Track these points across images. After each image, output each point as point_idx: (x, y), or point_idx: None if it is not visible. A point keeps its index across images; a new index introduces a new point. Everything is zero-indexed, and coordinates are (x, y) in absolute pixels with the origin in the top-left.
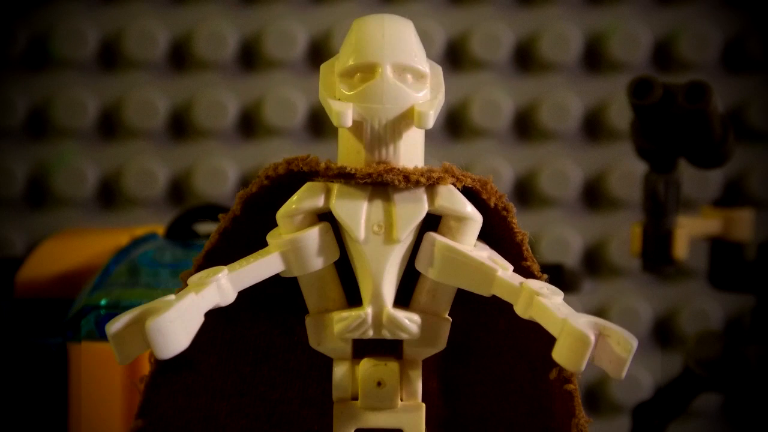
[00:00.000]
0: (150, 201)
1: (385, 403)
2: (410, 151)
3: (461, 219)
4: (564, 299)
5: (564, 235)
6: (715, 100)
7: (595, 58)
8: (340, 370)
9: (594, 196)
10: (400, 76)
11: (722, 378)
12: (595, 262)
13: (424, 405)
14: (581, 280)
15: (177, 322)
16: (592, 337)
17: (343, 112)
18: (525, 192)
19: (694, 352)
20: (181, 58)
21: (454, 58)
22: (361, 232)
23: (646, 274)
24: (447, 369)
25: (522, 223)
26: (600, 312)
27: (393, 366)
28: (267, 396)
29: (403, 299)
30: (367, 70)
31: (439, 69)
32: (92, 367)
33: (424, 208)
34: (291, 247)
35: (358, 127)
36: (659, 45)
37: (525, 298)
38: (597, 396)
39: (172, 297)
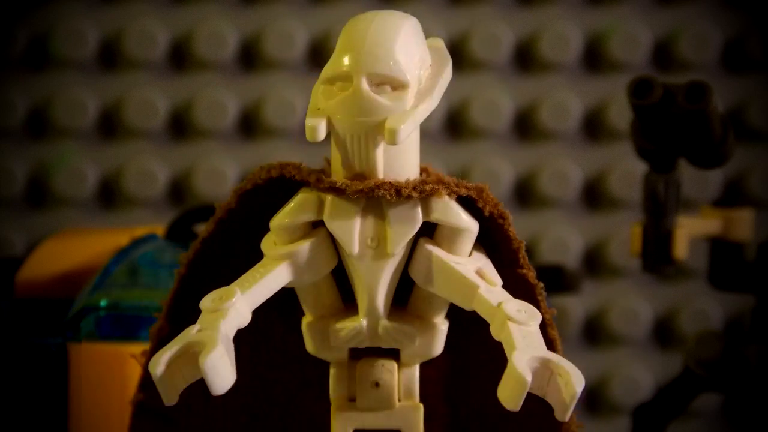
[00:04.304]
0: (150, 201)
1: (383, 404)
2: (399, 161)
3: (456, 230)
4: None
5: (564, 236)
6: (715, 100)
7: (595, 58)
8: (337, 371)
9: (594, 196)
10: (377, 87)
11: (722, 378)
12: (595, 263)
13: (422, 405)
14: (581, 281)
15: (225, 356)
16: (529, 379)
17: (315, 127)
18: (525, 192)
19: (694, 352)
20: (181, 58)
21: (454, 58)
22: (354, 247)
23: (646, 274)
24: (447, 369)
25: (522, 224)
26: (600, 312)
27: (390, 366)
28: (265, 376)
29: (402, 300)
30: (345, 79)
31: (445, 53)
32: (92, 367)
33: (418, 222)
34: (289, 261)
35: (338, 138)
36: (659, 45)
37: (498, 320)
38: (597, 396)
39: (197, 328)
